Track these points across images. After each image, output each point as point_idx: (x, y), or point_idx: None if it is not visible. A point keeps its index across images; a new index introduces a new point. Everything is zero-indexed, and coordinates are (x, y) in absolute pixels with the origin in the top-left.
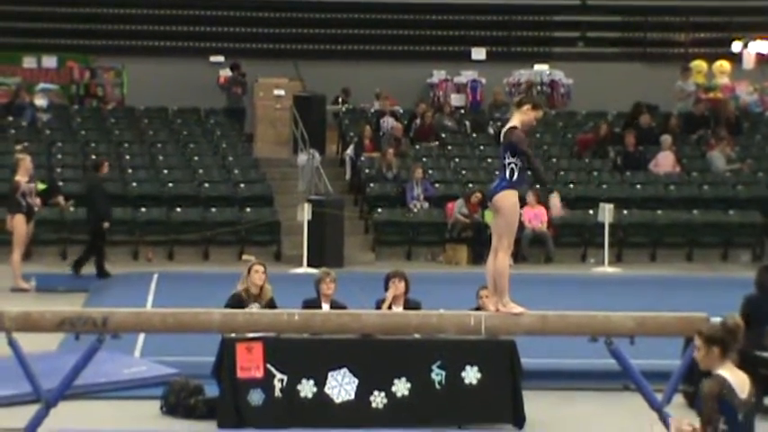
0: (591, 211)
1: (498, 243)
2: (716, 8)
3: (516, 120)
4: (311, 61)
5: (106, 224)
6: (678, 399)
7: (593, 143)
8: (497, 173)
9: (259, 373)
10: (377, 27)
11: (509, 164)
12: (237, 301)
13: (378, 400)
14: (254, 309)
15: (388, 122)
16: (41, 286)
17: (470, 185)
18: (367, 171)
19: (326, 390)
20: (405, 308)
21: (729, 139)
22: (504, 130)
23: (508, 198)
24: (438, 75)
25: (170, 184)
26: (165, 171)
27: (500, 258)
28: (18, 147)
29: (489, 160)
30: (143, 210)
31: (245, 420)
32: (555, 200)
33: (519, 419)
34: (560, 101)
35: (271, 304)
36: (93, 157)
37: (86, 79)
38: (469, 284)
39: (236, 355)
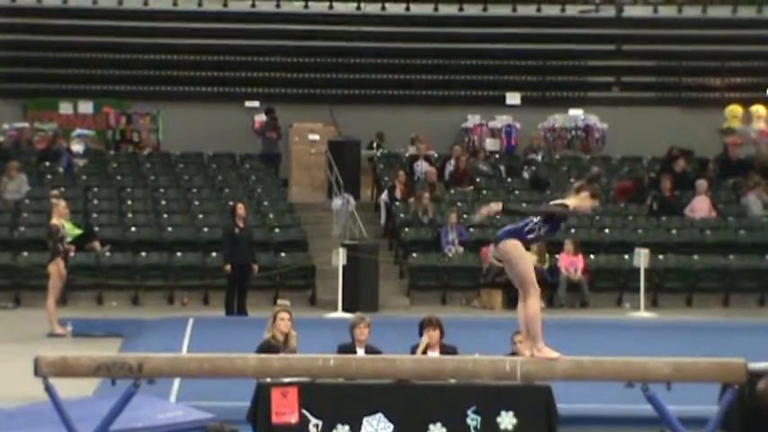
0: (626, 256)
1: (522, 290)
2: (751, 53)
3: (572, 201)
4: (346, 106)
5: (227, 267)
6: None
7: (632, 191)
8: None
9: (294, 419)
10: (412, 72)
11: (535, 223)
12: (268, 349)
13: None
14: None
15: (422, 167)
16: (77, 331)
17: None
18: (402, 216)
19: None
20: (441, 353)
21: (765, 184)
22: (555, 201)
23: (512, 249)
24: (473, 119)
25: (205, 229)
26: (200, 216)
27: (530, 303)
28: (53, 191)
29: (524, 205)
30: (178, 255)
31: None
32: (494, 206)
33: None
34: (595, 145)
35: (294, 353)
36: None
37: (122, 125)
38: (504, 329)
39: (272, 400)
